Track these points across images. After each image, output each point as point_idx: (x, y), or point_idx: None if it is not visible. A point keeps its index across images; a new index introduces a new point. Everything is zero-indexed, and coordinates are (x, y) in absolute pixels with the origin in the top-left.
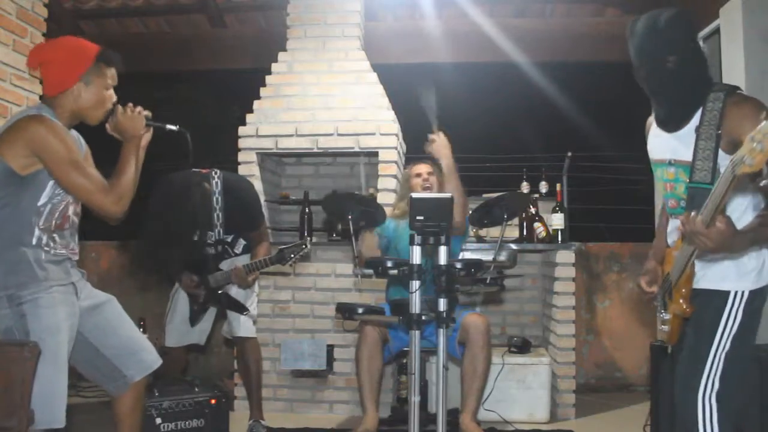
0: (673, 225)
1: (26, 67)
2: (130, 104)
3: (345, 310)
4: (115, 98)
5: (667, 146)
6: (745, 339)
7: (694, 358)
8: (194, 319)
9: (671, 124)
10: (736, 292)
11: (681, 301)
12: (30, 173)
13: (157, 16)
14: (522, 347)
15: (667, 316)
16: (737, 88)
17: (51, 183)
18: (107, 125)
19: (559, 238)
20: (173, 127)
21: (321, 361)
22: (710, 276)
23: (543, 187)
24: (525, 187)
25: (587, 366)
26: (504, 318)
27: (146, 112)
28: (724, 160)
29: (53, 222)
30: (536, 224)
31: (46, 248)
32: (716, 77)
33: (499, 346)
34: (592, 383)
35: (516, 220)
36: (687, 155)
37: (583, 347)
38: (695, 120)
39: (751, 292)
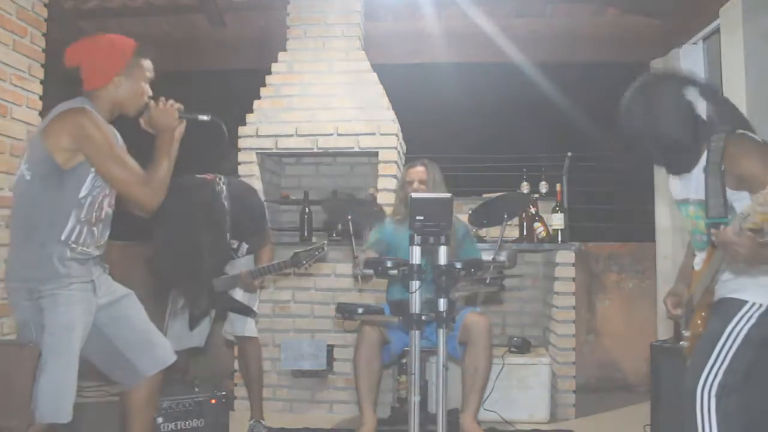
0: (698, 258)
1: (26, 68)
2: (163, 98)
3: (345, 310)
4: (150, 92)
5: (684, 187)
6: (754, 342)
7: (701, 351)
8: (194, 323)
9: (681, 170)
10: (753, 303)
11: (699, 322)
12: (71, 167)
13: (157, 16)
14: (522, 347)
15: (688, 333)
16: (737, 128)
17: (91, 175)
18: (141, 120)
19: (559, 238)
20: (206, 118)
21: (321, 361)
22: (729, 287)
23: (543, 187)
24: (525, 187)
25: (587, 366)
26: (504, 318)
27: (178, 105)
28: (731, 195)
29: (93, 214)
30: (536, 224)
31: (73, 245)
32: (716, 77)
33: (499, 346)
34: (592, 383)
35: (516, 220)
36: (702, 194)
37: (583, 347)
38: (703, 160)
39: None
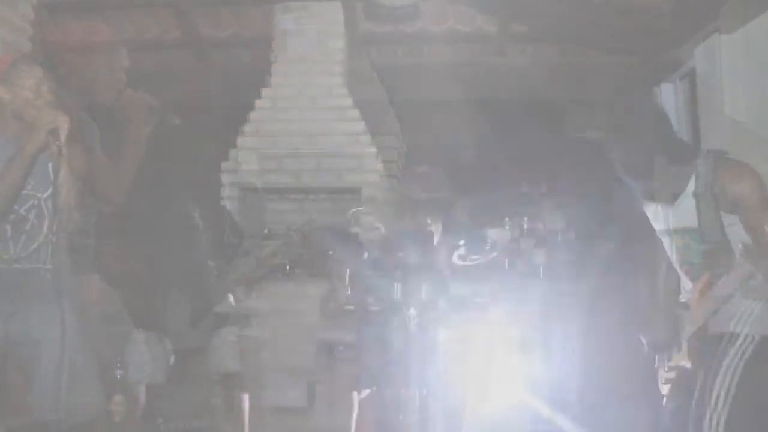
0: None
1: None
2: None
3: (325, 347)
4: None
5: (672, 215)
6: (752, 376)
7: (699, 392)
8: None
9: (669, 197)
10: (746, 335)
11: (688, 355)
12: None
13: (143, 51)
14: None
15: (672, 364)
16: (723, 152)
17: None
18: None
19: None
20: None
21: (302, 397)
22: (720, 319)
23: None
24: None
25: None
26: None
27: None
28: (725, 218)
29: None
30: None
31: None
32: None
33: None
34: None
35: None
36: (692, 221)
37: None
38: (691, 185)
39: (763, 337)
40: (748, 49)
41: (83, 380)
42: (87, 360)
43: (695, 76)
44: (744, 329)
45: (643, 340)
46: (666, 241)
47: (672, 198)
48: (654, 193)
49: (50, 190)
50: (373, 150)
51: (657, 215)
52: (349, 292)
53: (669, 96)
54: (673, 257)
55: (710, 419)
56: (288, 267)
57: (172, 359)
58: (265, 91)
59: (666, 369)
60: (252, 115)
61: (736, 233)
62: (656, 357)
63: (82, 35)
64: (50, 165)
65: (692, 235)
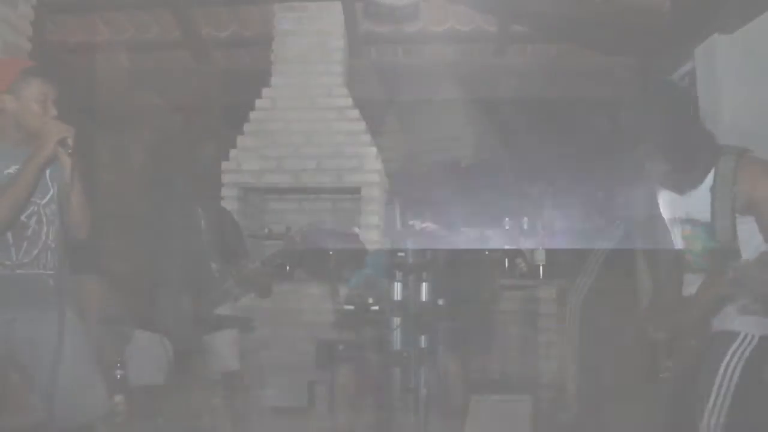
0: (688, 281)
1: None
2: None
3: (324, 348)
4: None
5: (683, 205)
6: (752, 377)
7: (699, 391)
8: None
9: (686, 186)
10: (746, 335)
11: (688, 353)
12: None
13: (144, 52)
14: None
15: (671, 369)
16: (746, 150)
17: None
18: None
19: (541, 274)
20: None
21: (302, 397)
22: (720, 317)
23: (525, 223)
24: (507, 224)
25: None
26: (487, 354)
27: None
28: (738, 220)
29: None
30: (518, 259)
31: None
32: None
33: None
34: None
35: (498, 255)
36: (703, 215)
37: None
38: (709, 180)
39: (762, 338)
40: (748, 49)
41: (84, 382)
42: (87, 362)
43: (695, 76)
44: (743, 328)
45: (644, 338)
46: (673, 229)
47: (693, 187)
48: (671, 178)
49: (49, 196)
50: (373, 150)
51: (668, 202)
52: (349, 292)
53: None
54: (677, 244)
55: (708, 419)
56: (288, 267)
57: (172, 359)
58: (265, 91)
59: (666, 366)
60: (252, 115)
61: (745, 235)
62: (656, 355)
63: (82, 35)
64: (48, 172)
65: (701, 227)
